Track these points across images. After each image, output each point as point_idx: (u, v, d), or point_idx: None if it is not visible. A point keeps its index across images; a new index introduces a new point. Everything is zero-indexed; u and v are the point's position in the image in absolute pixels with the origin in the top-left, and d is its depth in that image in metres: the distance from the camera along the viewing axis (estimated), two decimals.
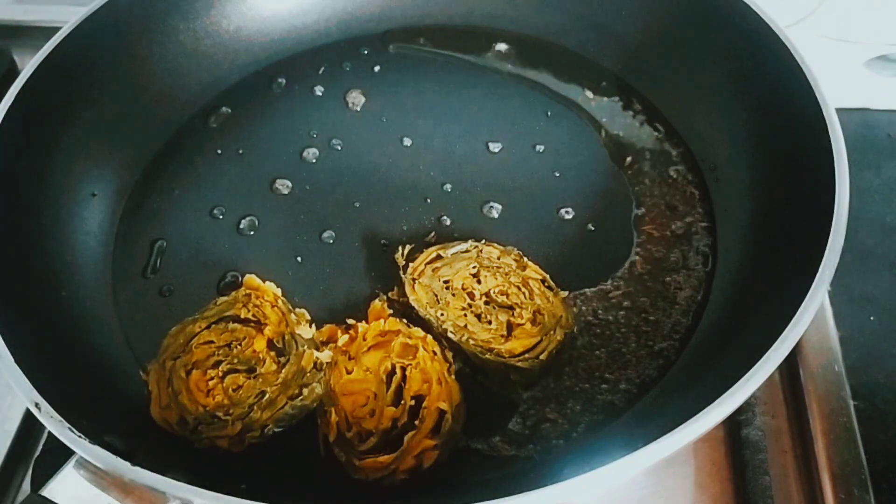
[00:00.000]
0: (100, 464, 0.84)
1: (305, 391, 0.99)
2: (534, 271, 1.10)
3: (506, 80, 1.42)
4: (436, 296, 1.08)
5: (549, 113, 1.36)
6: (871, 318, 1.20)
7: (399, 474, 0.96)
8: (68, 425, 0.86)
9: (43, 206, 1.16)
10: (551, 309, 1.06)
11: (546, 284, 1.09)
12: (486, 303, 1.07)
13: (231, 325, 1.04)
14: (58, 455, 0.89)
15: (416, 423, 0.97)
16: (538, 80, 1.41)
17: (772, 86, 1.17)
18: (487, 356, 1.02)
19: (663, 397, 1.03)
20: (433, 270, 1.10)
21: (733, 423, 1.09)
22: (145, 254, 1.22)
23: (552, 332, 1.04)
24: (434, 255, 1.11)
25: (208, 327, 1.05)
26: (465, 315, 1.06)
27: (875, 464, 1.03)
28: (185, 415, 0.99)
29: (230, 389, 0.99)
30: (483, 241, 1.13)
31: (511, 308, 1.06)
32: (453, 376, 1.03)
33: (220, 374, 1.01)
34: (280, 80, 1.44)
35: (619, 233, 1.20)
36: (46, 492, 0.87)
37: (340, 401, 1.00)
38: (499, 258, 1.11)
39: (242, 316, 1.05)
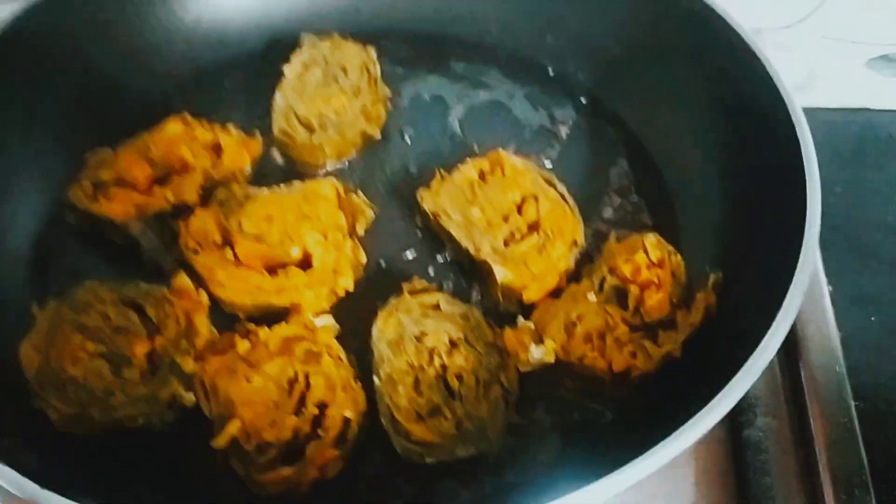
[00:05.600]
0: (9, 486, 0.80)
1: (141, 420, 0.96)
2: (511, 378, 1.01)
3: (476, 91, 1.39)
4: (401, 338, 1.02)
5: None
6: (872, 318, 1.18)
7: (303, 487, 0.93)
8: None
9: None
10: (486, 423, 0.97)
11: (506, 398, 0.99)
12: (437, 376, 1.00)
13: (131, 314, 1.02)
14: None
15: (320, 432, 0.94)
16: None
17: (738, 90, 1.15)
18: (384, 421, 0.96)
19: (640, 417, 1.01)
20: (421, 314, 1.04)
21: (734, 425, 1.07)
22: (81, 257, 1.19)
23: (459, 445, 0.95)
24: (436, 300, 1.06)
25: (115, 303, 1.03)
26: (407, 374, 0.99)
27: (876, 464, 1.01)
28: (44, 367, 0.97)
29: (89, 372, 0.98)
30: (483, 313, 1.06)
31: (452, 396, 0.99)
32: (360, 383, 0.99)
33: (93, 352, 0.99)
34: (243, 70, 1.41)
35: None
36: None
37: (239, 411, 0.96)
38: (488, 343, 1.03)
39: (147, 312, 1.03)
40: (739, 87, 1.14)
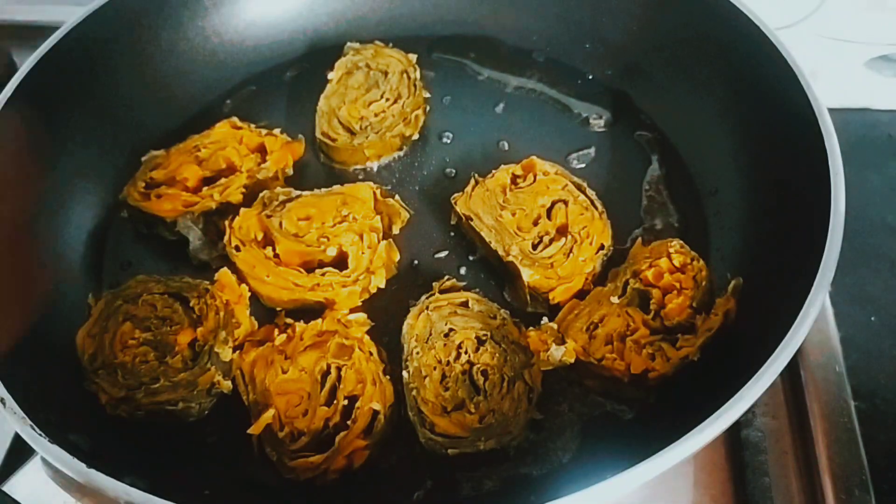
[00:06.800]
0: (57, 463, 0.84)
1: (181, 405, 1.01)
2: (534, 375, 1.03)
3: (513, 95, 1.41)
4: (430, 334, 1.05)
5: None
6: (872, 318, 1.20)
7: (330, 474, 0.97)
8: (30, 423, 0.87)
9: (34, 201, 1.17)
10: (509, 419, 1.00)
11: (529, 395, 1.02)
12: (463, 372, 1.03)
13: (176, 306, 1.08)
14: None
15: (349, 423, 0.98)
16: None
17: (766, 93, 1.16)
18: (411, 414, 1.00)
19: (663, 411, 1.03)
20: (450, 312, 1.07)
21: (733, 425, 1.06)
22: (133, 251, 1.23)
23: (481, 439, 0.97)
24: (465, 299, 1.08)
25: (162, 294, 1.09)
26: (434, 369, 1.03)
27: (876, 464, 1.03)
28: (98, 353, 1.04)
29: (137, 358, 1.03)
30: (510, 313, 1.08)
31: (477, 392, 1.02)
32: (388, 377, 1.03)
33: (141, 340, 1.05)
34: (286, 77, 1.44)
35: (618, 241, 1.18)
36: (7, 487, 0.89)
37: (274, 400, 1.01)
38: (513, 341, 1.05)
39: (191, 303, 1.08)
40: (770, 95, 1.15)
